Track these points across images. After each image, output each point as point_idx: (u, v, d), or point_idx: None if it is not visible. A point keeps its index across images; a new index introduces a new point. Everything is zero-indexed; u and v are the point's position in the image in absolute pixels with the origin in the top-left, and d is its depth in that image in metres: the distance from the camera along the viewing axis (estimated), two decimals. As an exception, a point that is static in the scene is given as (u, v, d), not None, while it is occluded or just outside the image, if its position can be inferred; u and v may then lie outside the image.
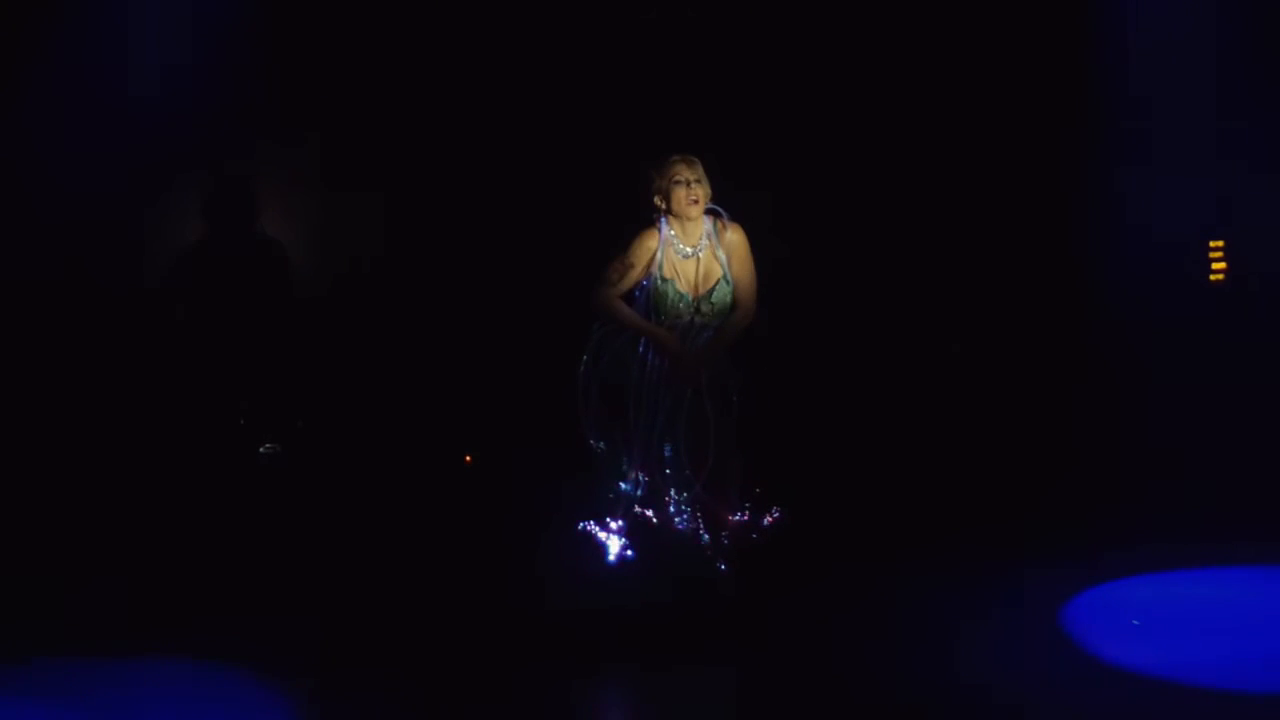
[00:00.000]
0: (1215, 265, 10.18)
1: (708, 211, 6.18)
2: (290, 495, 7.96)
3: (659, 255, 6.14)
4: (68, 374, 8.12)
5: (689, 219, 6.15)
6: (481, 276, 8.43)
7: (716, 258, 6.18)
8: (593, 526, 6.18)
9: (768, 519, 6.17)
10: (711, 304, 6.17)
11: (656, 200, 6.15)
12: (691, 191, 6.11)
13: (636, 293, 6.20)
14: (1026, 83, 8.57)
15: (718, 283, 6.18)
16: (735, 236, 6.19)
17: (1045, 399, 8.56)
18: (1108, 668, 5.69)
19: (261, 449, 8.18)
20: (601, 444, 6.15)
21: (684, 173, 6.12)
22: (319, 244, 8.49)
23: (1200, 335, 8.81)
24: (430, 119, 8.36)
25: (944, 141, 8.57)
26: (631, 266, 6.15)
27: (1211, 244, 10.04)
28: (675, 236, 6.15)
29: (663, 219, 6.17)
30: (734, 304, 6.22)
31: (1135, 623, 6.21)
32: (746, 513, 6.14)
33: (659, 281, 6.15)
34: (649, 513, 6.10)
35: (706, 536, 6.05)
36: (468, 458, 8.71)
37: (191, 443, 8.08)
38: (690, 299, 6.16)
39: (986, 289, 8.73)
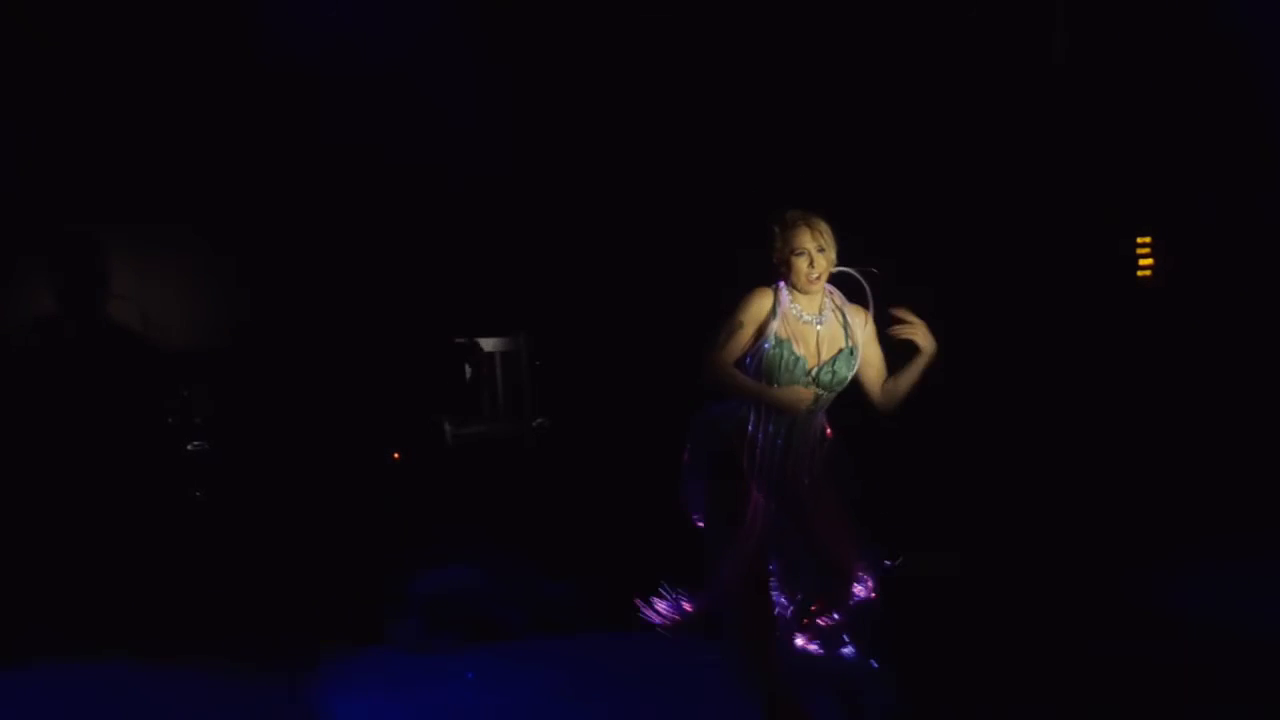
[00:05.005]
0: (1143, 262, 10.08)
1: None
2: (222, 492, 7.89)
3: (774, 321, 5.36)
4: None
5: (808, 293, 5.42)
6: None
7: (842, 328, 5.45)
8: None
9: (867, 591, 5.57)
10: (833, 372, 5.38)
11: (776, 263, 5.46)
12: (814, 265, 5.33)
13: (748, 360, 5.39)
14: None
15: (840, 352, 5.43)
16: (861, 320, 5.48)
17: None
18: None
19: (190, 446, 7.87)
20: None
21: (805, 241, 5.31)
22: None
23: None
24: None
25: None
26: (741, 326, 5.29)
27: (1139, 240, 9.95)
28: (796, 304, 5.41)
29: (783, 285, 5.42)
30: (865, 389, 5.54)
31: None
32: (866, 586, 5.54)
33: (774, 344, 5.34)
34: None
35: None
36: (395, 455, 8.48)
37: (121, 442, 7.73)
38: (808, 365, 5.38)
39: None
